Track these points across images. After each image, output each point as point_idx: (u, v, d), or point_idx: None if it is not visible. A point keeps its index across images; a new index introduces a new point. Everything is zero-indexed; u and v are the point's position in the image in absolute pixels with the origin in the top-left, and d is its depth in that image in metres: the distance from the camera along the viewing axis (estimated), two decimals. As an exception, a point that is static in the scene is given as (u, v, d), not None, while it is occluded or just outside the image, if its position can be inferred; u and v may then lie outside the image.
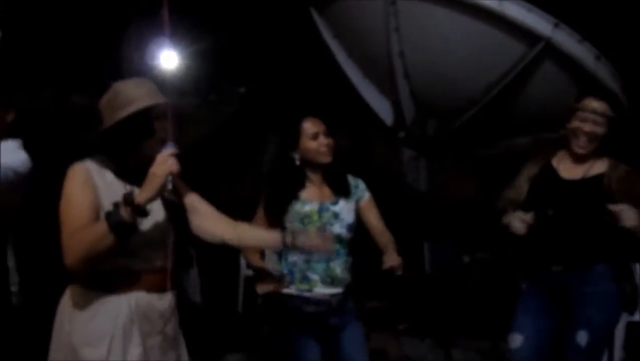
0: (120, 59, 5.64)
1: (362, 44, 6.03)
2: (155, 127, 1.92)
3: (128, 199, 1.77)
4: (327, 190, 2.65)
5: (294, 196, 2.60)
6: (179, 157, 1.86)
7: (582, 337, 2.53)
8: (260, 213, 2.68)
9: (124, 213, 1.76)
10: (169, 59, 5.64)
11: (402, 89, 5.72)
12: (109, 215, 1.77)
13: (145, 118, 1.90)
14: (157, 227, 1.92)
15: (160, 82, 2.11)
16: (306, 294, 2.57)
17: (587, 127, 2.61)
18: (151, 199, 1.81)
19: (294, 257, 2.59)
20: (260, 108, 7.29)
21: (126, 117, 1.88)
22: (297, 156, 2.62)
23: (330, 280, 2.57)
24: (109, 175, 1.93)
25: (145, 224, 1.87)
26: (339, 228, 2.59)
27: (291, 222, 2.59)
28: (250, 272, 6.41)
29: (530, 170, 2.79)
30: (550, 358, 2.66)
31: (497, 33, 5.11)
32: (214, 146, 6.19)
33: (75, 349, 1.85)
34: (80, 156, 1.94)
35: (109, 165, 1.94)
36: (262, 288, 2.63)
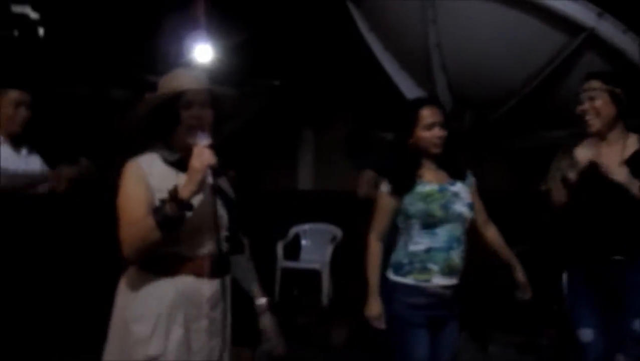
0: (155, 53, 5.70)
1: (398, 36, 5.97)
2: (183, 115, 1.99)
3: (172, 195, 1.87)
4: (442, 174, 2.71)
5: (414, 175, 2.66)
6: (214, 147, 1.92)
7: (638, 325, 2.55)
8: (382, 201, 2.69)
9: (169, 208, 1.87)
10: (203, 52, 5.70)
11: (439, 80, 5.65)
12: (155, 211, 1.90)
13: (169, 106, 1.98)
14: (205, 215, 2.00)
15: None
16: (423, 284, 2.60)
17: (585, 105, 2.76)
18: (194, 193, 1.90)
19: (415, 247, 2.61)
20: (294, 100, 7.30)
21: (151, 104, 1.98)
22: (411, 142, 2.67)
23: (448, 270, 2.61)
24: (160, 166, 2.04)
25: (194, 212, 1.96)
26: (460, 207, 2.64)
27: (412, 203, 2.61)
28: (286, 263, 6.46)
29: (566, 161, 2.83)
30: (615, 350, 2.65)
31: (538, 23, 4.99)
32: (248, 138, 6.22)
33: (126, 323, 2.00)
34: (129, 148, 2.06)
35: (162, 154, 2.05)
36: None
